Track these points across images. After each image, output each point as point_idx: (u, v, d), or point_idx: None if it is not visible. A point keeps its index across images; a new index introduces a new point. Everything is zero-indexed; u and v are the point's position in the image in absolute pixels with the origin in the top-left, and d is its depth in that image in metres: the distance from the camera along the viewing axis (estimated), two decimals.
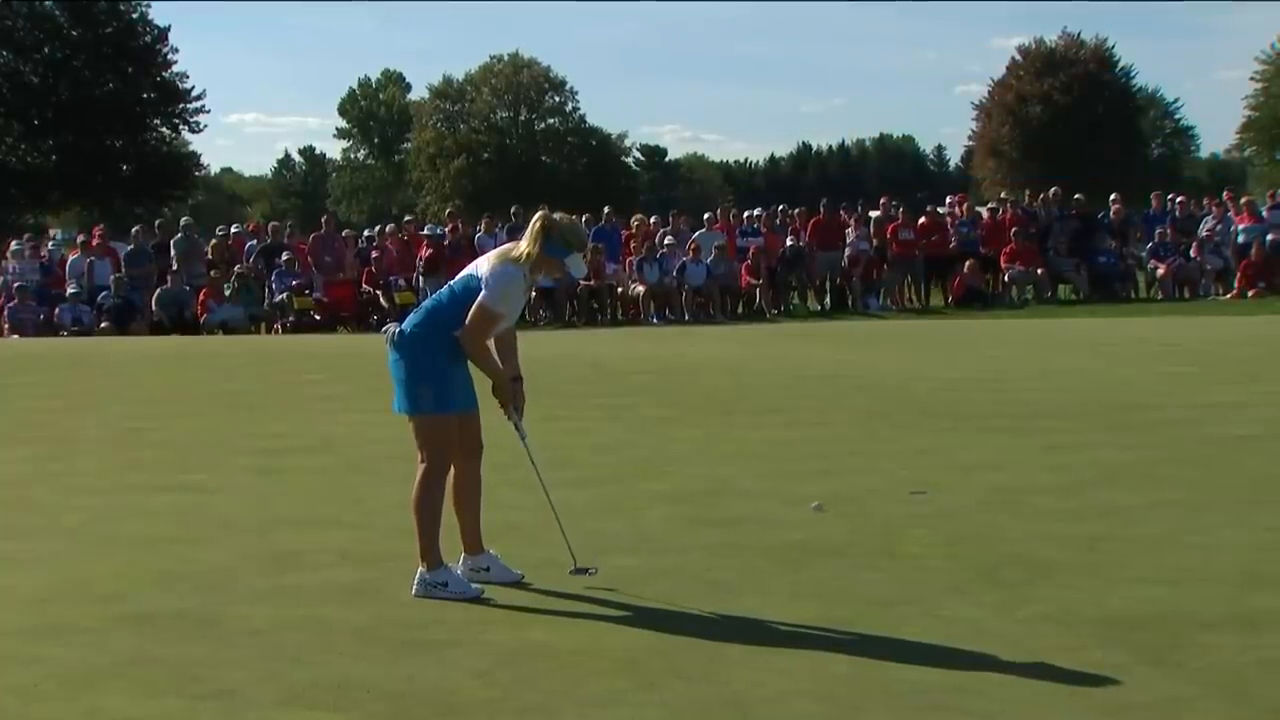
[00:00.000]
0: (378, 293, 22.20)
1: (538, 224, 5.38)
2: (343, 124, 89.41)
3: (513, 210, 25.05)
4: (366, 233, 25.90)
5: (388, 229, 24.59)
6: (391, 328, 5.47)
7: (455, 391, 5.44)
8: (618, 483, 7.63)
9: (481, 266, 5.43)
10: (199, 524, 6.70)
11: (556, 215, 5.48)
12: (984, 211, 25.53)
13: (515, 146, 69.59)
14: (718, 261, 22.81)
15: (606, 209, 24.85)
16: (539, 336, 20.17)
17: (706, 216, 25.62)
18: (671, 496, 7.21)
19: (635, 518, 6.71)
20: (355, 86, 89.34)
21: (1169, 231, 23.72)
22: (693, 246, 23.04)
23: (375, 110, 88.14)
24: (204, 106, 50.22)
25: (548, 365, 14.58)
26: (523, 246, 5.37)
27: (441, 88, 72.16)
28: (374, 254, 22.96)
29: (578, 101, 72.03)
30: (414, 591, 5.33)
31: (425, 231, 24.24)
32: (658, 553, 5.96)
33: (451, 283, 5.48)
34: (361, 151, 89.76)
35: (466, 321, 5.31)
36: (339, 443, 9.22)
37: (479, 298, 5.31)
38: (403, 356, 5.38)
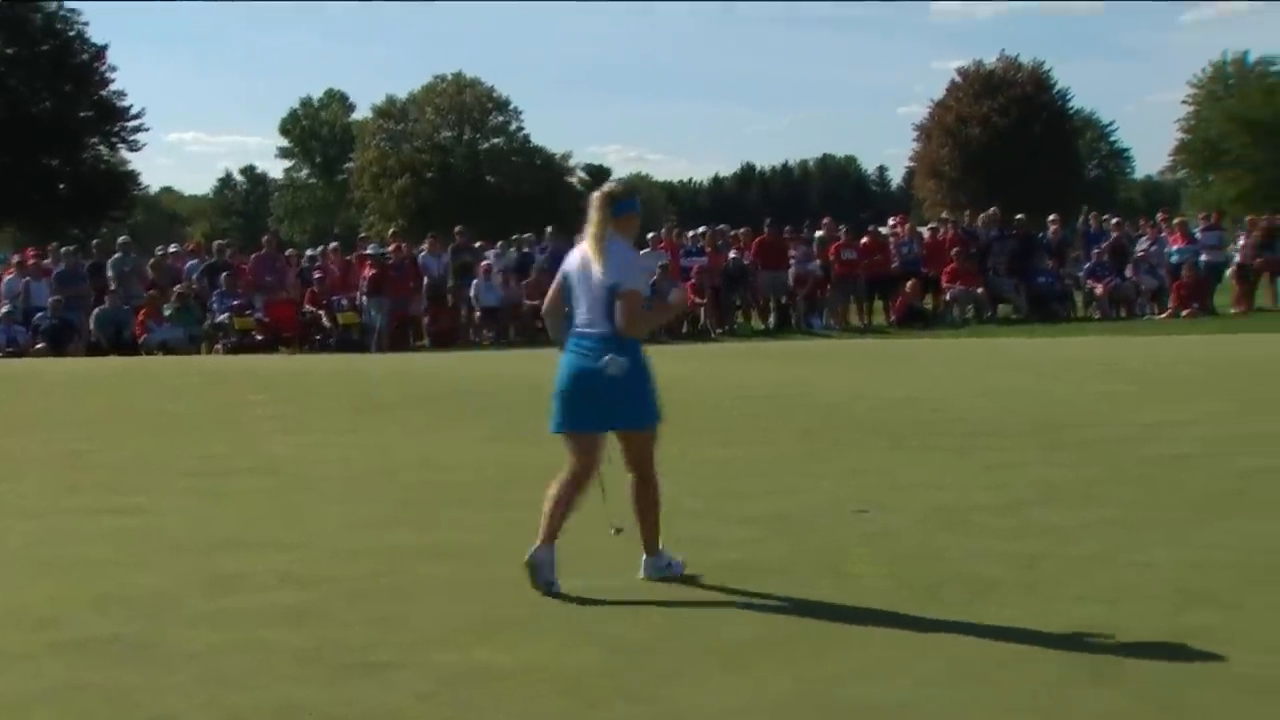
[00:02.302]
0: (320, 313, 22.05)
1: (597, 199, 5.68)
2: (285, 143, 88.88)
3: (456, 230, 24.95)
4: (309, 252, 25.74)
5: (331, 248, 24.45)
6: (615, 359, 5.61)
7: None
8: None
9: (592, 269, 5.61)
10: (139, 547, 6.61)
11: (604, 185, 5.85)
12: (925, 231, 25.81)
13: (459, 166, 69.45)
14: (662, 281, 22.86)
15: (550, 228, 24.84)
16: (483, 357, 20.12)
17: (650, 236, 25.67)
18: (619, 516, 7.19)
19: (583, 537, 6.67)
20: (297, 105, 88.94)
21: (1106, 251, 24.11)
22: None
23: (318, 129, 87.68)
24: (143, 125, 49.78)
25: (494, 385, 14.55)
26: (596, 226, 5.64)
27: (385, 107, 71.94)
28: (316, 274, 22.82)
29: (522, 121, 72.16)
30: (647, 575, 5.80)
31: (369, 251, 24.13)
32: (606, 572, 5.96)
33: (588, 302, 5.64)
34: (304, 171, 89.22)
35: (624, 318, 5.56)
36: (282, 463, 9.14)
37: (622, 290, 5.56)
38: (628, 376, 5.63)
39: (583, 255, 5.74)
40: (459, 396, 13.42)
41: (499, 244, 24.15)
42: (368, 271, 22.24)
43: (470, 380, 15.21)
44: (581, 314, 5.72)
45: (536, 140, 73.26)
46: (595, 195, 5.73)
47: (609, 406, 5.69)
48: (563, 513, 5.74)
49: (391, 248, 23.92)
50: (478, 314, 22.56)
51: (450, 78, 71.32)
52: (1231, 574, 5.61)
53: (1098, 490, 7.61)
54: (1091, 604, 5.26)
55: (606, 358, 5.61)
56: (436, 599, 5.57)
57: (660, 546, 5.92)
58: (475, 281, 22.52)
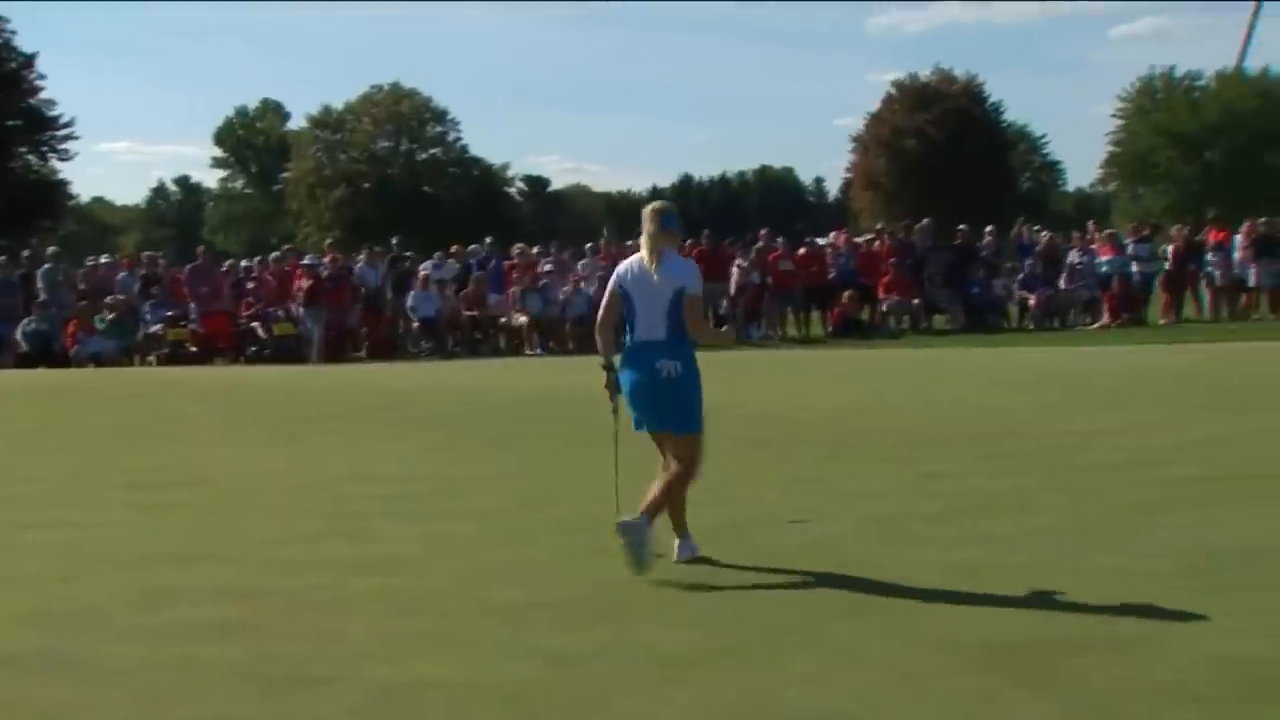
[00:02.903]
0: (255, 324, 21.81)
1: (650, 213, 6.23)
2: (219, 153, 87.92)
3: (394, 241, 24.83)
4: (245, 263, 25.47)
5: (271, 259, 24.20)
6: (669, 364, 6.14)
7: None
8: (505, 514, 7.61)
9: (650, 276, 6.15)
10: (71, 561, 6.50)
11: (655, 202, 6.40)
12: (861, 243, 26.02)
13: (396, 177, 69.09)
14: (600, 292, 22.85)
15: (489, 239, 24.76)
16: (421, 369, 20.02)
17: (589, 246, 25.68)
18: (558, 526, 7.20)
19: (522, 548, 6.69)
20: (232, 115, 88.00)
21: (1038, 263, 24.44)
22: (577, 277, 23.07)
23: (253, 139, 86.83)
24: (73, 134, 49.08)
25: (432, 396, 14.49)
26: (650, 238, 6.17)
27: (321, 117, 71.47)
28: (250, 285, 22.58)
29: (460, 131, 72.02)
30: (681, 557, 6.30)
31: (305, 262, 23.92)
32: (546, 583, 5.94)
33: (650, 311, 6.17)
34: (239, 181, 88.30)
35: (693, 322, 6.18)
36: (216, 477, 9.04)
37: (693, 295, 6.17)
38: (685, 381, 6.17)
39: (635, 265, 6.26)
40: (395, 409, 13.34)
41: (436, 255, 24.06)
42: (303, 282, 22.05)
43: (406, 392, 15.12)
44: (640, 325, 6.24)
45: (475, 151, 73.28)
46: (649, 210, 6.28)
47: (664, 408, 6.23)
48: (673, 503, 6.30)
49: (327, 259, 23.73)
50: (415, 325, 22.44)
51: (387, 88, 70.99)
52: (1163, 582, 5.69)
53: (1033, 499, 7.70)
54: (1027, 613, 5.32)
55: (660, 363, 6.14)
56: (373, 612, 5.52)
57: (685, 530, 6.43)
58: (412, 292, 22.41)
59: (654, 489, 6.20)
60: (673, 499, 6.27)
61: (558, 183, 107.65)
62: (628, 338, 6.33)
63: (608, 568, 6.16)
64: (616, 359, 6.37)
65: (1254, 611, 5.20)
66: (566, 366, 19.71)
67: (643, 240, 6.24)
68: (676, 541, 6.38)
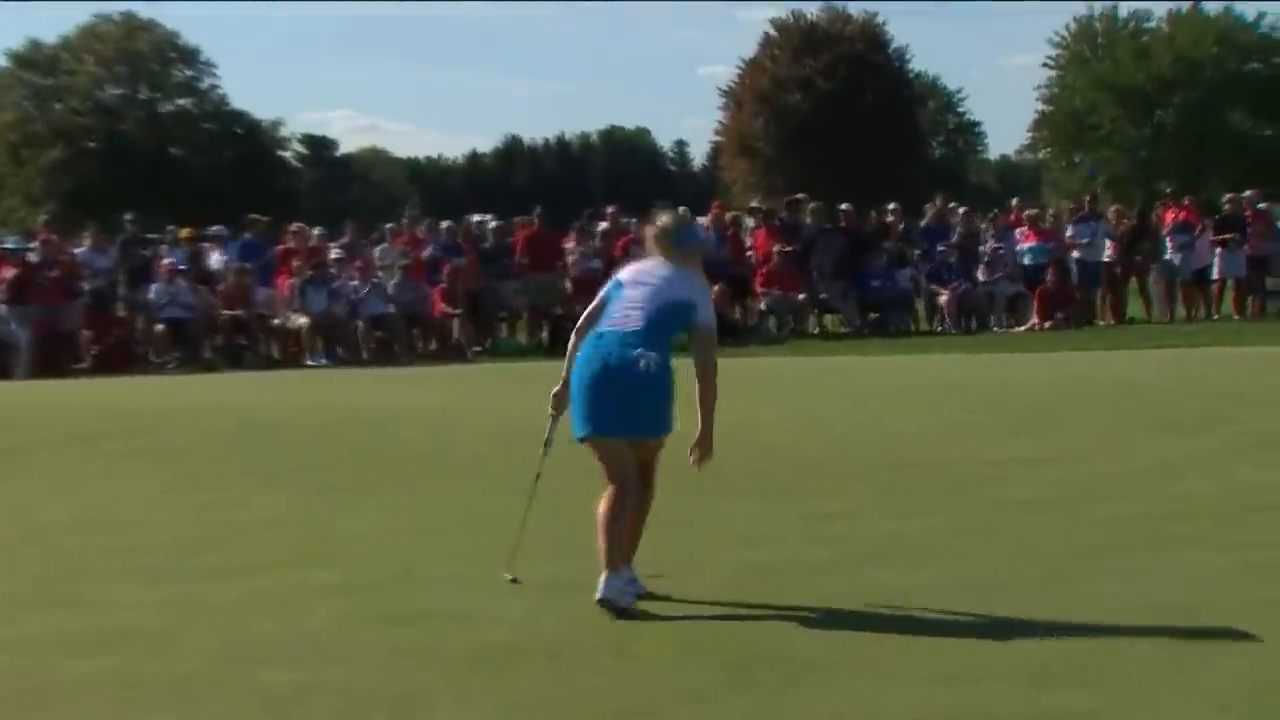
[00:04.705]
0: None
1: (654, 235, 6.85)
2: None
3: (128, 218, 24.31)
4: None
5: None
6: (645, 355, 6.52)
7: None
8: (275, 571, 7.54)
9: (664, 291, 6.68)
10: None
11: (659, 221, 6.90)
12: (733, 222, 26.21)
13: (132, 133, 67.62)
14: (403, 285, 22.73)
15: (255, 216, 24.44)
16: (168, 383, 19.63)
17: (389, 227, 25.51)
18: (343, 587, 7.14)
19: (296, 616, 6.62)
20: None
21: (952, 250, 24.99)
22: (372, 266, 22.90)
23: None
24: None
25: (180, 420, 14.21)
26: (659, 253, 6.77)
27: (27, 54, 69.47)
28: None
29: (217, 78, 70.87)
30: (605, 596, 6.49)
31: (8, 246, 23.30)
32: (324, 661, 5.89)
33: (636, 300, 6.65)
34: None
35: (707, 361, 6.69)
36: None
37: (707, 326, 6.75)
38: (659, 381, 6.57)
39: (647, 263, 6.83)
40: (130, 436, 13.08)
41: (180, 233, 23.70)
42: (6, 273, 21.44)
43: (146, 414, 14.82)
44: (616, 314, 6.67)
45: (237, 103, 72.20)
46: (653, 233, 6.89)
47: (643, 408, 6.60)
48: (623, 533, 6.66)
49: (39, 241, 23.14)
50: (158, 328, 22.00)
51: (117, 18, 69.43)
52: (1098, 645, 5.86)
53: (942, 543, 7.88)
54: (934, 686, 5.44)
55: (639, 351, 6.52)
56: (97, 705, 5.42)
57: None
58: (154, 285, 21.97)
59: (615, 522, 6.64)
60: (621, 521, 6.66)
61: (347, 145, 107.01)
62: (591, 332, 6.76)
63: (405, 640, 6.14)
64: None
65: (1213, 685, 5.41)
66: (359, 380, 19.51)
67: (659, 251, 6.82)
68: (604, 576, 6.56)
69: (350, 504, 9.52)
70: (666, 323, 6.65)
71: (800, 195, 26.66)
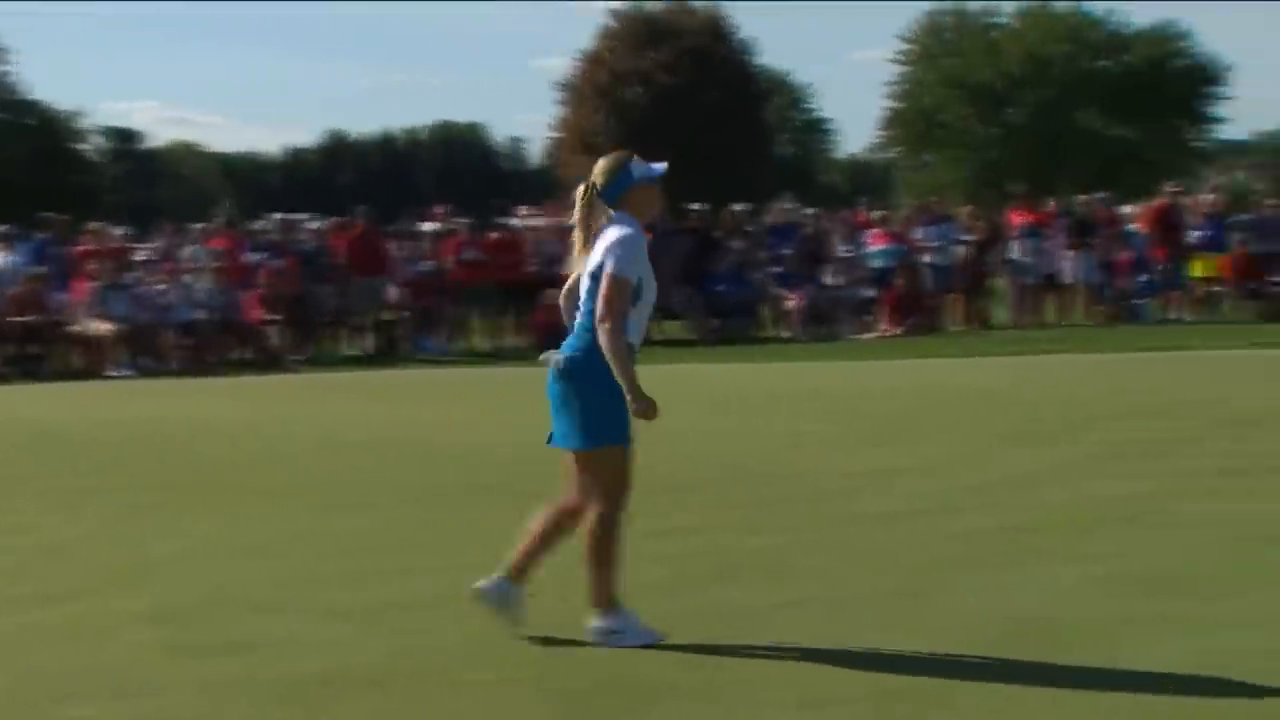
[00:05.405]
0: None
1: (580, 192, 6.52)
2: None
3: None
4: None
5: None
6: (554, 355, 6.39)
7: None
8: (75, 600, 7.40)
9: (596, 257, 6.34)
10: None
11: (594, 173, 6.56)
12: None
13: None
14: (215, 289, 22.40)
15: (50, 214, 23.94)
16: None
17: (201, 227, 25.15)
18: (151, 615, 7.03)
19: (99, 647, 6.48)
20: None
21: (802, 253, 25.25)
22: (182, 269, 22.54)
23: None
24: None
25: None
26: (577, 218, 6.48)
27: None
28: None
29: (8, 64, 69.37)
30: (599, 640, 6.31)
31: None
32: (127, 694, 5.77)
33: (586, 293, 6.38)
34: None
35: (599, 308, 6.20)
36: None
37: (610, 273, 6.22)
38: (569, 383, 6.31)
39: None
40: None
41: None
42: None
43: None
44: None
45: (33, 93, 70.71)
46: (586, 184, 6.58)
47: (554, 415, 6.41)
48: (535, 547, 6.54)
49: None
50: None
51: None
52: (953, 664, 5.94)
53: (791, 560, 7.93)
54: (781, 711, 5.46)
55: (544, 354, 6.44)
56: None
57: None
58: None
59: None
60: (548, 542, 6.56)
61: (155, 138, 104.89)
62: None
63: (216, 671, 6.04)
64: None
65: (1071, 703, 5.49)
66: (168, 391, 19.19)
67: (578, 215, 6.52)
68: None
69: (158, 526, 9.39)
70: (589, 308, 6.35)
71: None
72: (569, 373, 6.33)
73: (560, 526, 6.55)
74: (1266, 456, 10.80)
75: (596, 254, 6.37)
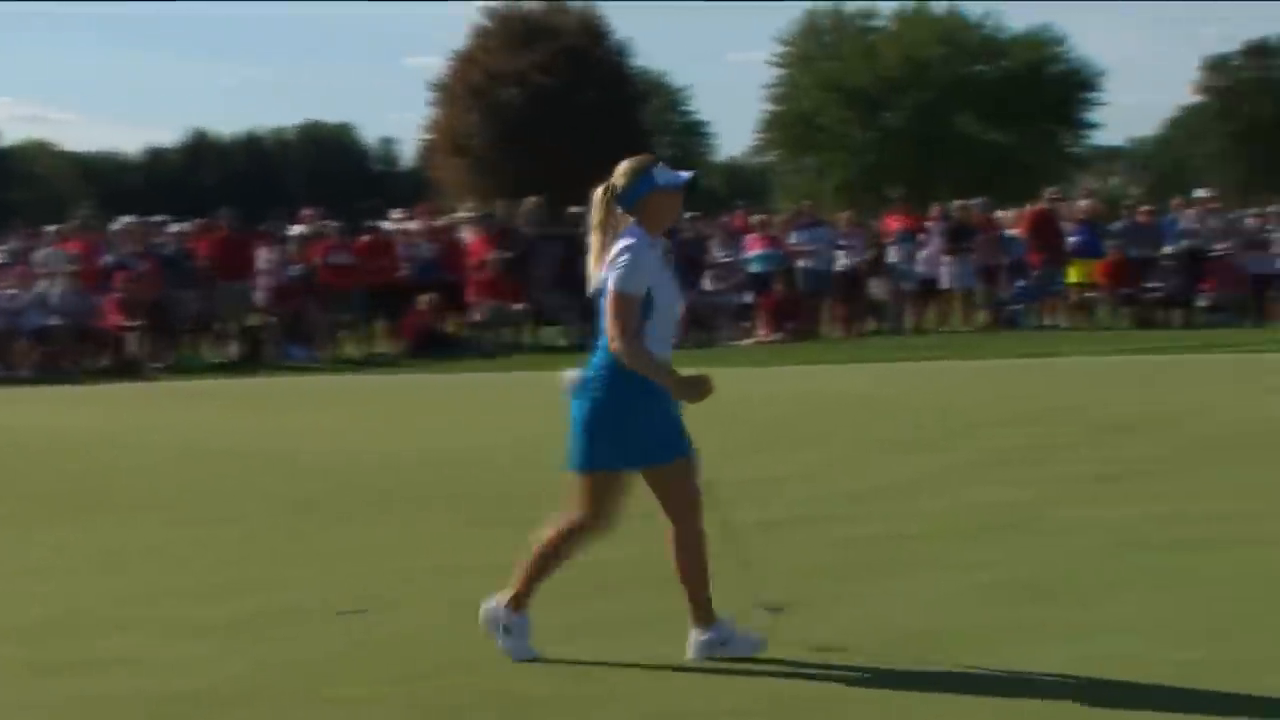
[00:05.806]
0: None
1: (599, 195, 6.35)
2: None
3: None
4: None
5: None
6: (571, 375, 6.34)
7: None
8: None
9: (602, 273, 6.28)
10: None
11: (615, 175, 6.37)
12: (446, 227, 26.15)
13: None
14: (70, 294, 22.06)
15: None
16: None
17: (56, 229, 24.76)
18: (5, 633, 6.92)
19: None
20: None
21: (680, 258, 25.35)
22: (35, 272, 22.20)
23: None
24: None
25: None
26: (596, 221, 6.33)
27: None
28: None
29: None
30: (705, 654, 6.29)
31: None
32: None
33: (597, 313, 6.30)
34: None
35: (608, 329, 6.14)
36: None
37: (613, 291, 6.14)
38: (581, 403, 6.28)
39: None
40: None
41: None
42: None
43: None
44: None
45: None
46: (602, 188, 6.42)
47: (571, 435, 6.33)
48: (540, 568, 6.56)
49: None
50: None
51: None
52: (834, 676, 5.97)
53: (668, 571, 7.91)
54: None
55: (564, 372, 6.38)
56: None
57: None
58: None
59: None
60: (546, 564, 6.61)
61: (9, 137, 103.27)
62: None
63: (73, 690, 5.95)
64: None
65: (957, 715, 5.54)
66: (20, 400, 18.90)
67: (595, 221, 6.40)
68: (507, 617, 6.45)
69: (9, 540, 9.28)
70: (601, 325, 6.29)
71: (532, 198, 26.60)
72: (587, 393, 6.28)
73: (561, 548, 6.65)
74: (1139, 462, 11.03)
75: (604, 270, 6.30)
